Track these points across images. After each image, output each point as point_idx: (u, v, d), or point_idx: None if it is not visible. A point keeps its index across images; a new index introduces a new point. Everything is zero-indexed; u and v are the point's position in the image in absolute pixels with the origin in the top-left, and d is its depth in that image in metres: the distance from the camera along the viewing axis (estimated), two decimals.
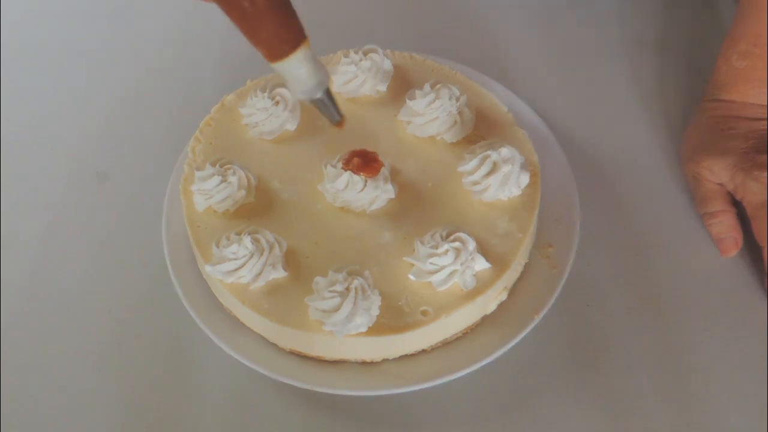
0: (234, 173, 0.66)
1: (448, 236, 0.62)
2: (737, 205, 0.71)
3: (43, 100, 0.87)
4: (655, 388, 0.64)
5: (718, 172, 0.71)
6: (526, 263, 0.67)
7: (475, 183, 0.66)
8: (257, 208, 0.67)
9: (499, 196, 0.66)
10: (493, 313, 0.64)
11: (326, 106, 0.55)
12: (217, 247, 0.63)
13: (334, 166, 0.66)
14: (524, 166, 0.66)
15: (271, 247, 0.62)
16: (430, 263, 0.61)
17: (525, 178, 0.66)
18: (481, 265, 0.62)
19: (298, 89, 0.53)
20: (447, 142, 0.70)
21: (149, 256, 0.71)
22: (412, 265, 0.62)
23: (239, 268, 0.61)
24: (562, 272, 0.66)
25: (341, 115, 0.57)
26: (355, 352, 0.62)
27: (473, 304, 0.61)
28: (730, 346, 0.66)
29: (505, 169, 0.65)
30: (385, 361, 0.63)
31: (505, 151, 0.66)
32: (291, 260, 0.63)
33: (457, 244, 0.61)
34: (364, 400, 0.63)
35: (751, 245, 0.70)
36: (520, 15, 0.93)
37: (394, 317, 0.60)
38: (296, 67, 0.51)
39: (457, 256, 0.61)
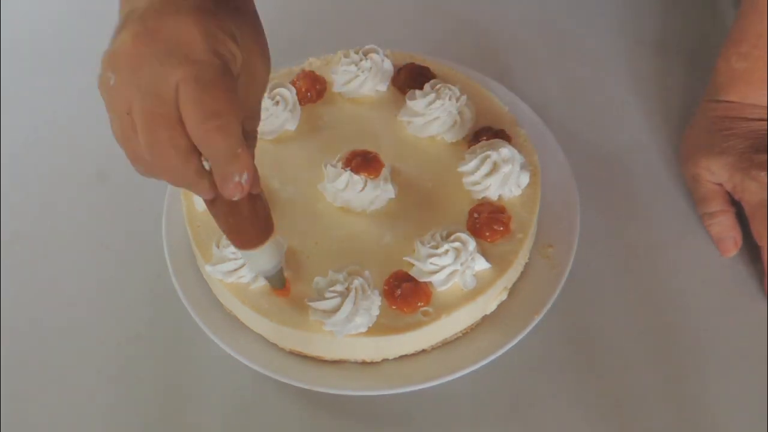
0: None
1: (448, 236, 0.62)
2: (736, 205, 0.71)
3: (43, 100, 0.87)
4: (655, 388, 0.64)
5: (716, 172, 0.71)
6: (526, 263, 0.67)
7: (476, 183, 0.66)
8: None
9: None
10: (493, 313, 0.64)
11: (278, 278, 0.59)
12: (217, 247, 0.63)
13: (334, 166, 0.66)
14: (524, 166, 0.66)
15: None
16: (430, 263, 0.61)
17: (525, 178, 0.66)
18: (481, 265, 0.62)
19: (256, 269, 0.58)
20: (447, 142, 0.70)
21: (149, 256, 0.71)
22: (412, 265, 0.62)
23: (239, 267, 0.61)
24: (562, 272, 0.66)
25: (285, 283, 0.60)
26: (355, 352, 0.62)
27: (473, 304, 0.61)
28: (730, 346, 0.65)
29: (505, 169, 0.65)
30: (385, 361, 0.63)
31: (505, 151, 0.66)
32: (291, 260, 0.63)
33: (457, 244, 0.61)
34: (364, 400, 0.63)
35: (750, 245, 0.70)
36: (520, 15, 0.93)
37: (394, 317, 0.60)
38: (259, 255, 0.55)
39: (457, 256, 0.61)
